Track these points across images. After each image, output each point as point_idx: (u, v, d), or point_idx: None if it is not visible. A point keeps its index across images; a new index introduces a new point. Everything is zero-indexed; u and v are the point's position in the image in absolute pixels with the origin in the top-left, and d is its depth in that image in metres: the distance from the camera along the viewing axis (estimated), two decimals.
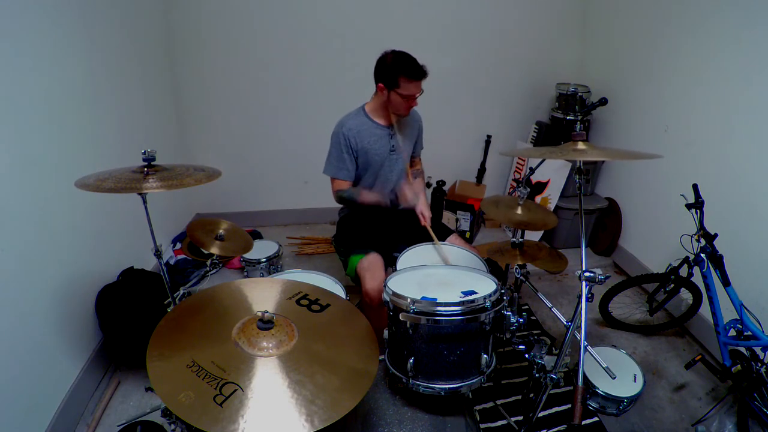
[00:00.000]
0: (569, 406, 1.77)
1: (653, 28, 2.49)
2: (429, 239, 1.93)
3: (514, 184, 3.34)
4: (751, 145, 1.91)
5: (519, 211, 1.80)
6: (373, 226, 2.02)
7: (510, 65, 3.17)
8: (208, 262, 1.77)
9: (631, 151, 1.56)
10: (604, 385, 1.59)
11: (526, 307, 2.45)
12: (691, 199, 1.80)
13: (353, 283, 1.97)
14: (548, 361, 1.39)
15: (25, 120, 1.51)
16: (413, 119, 2.07)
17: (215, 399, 0.90)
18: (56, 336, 1.63)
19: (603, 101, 2.31)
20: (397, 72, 1.76)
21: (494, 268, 2.04)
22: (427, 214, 1.97)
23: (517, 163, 3.39)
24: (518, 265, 1.72)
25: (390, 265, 1.91)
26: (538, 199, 3.06)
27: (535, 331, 2.26)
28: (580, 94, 2.92)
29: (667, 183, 2.38)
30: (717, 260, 1.74)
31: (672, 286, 2.06)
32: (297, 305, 1.25)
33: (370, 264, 1.80)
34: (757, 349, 1.70)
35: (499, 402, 1.78)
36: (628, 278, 2.33)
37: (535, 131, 3.24)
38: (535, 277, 2.74)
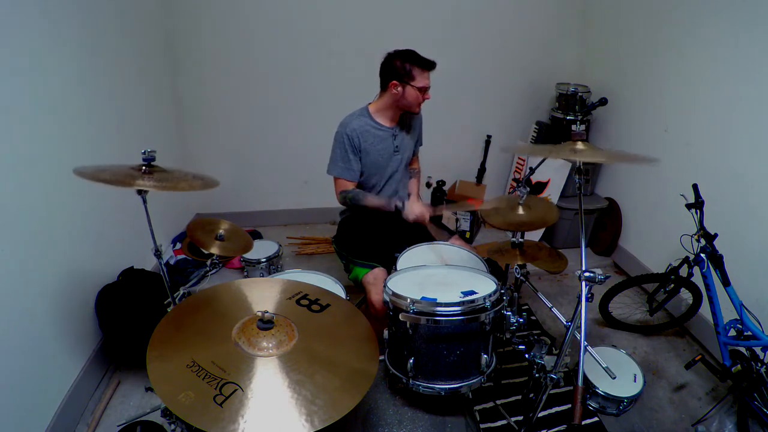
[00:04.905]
0: (569, 406, 1.77)
1: (653, 28, 2.49)
2: (430, 239, 1.93)
3: (514, 184, 3.34)
4: (751, 145, 1.91)
5: (520, 211, 1.79)
6: (375, 231, 2.01)
7: (510, 65, 3.16)
8: (208, 262, 1.77)
9: (628, 154, 1.56)
10: (604, 385, 1.58)
11: (526, 307, 2.45)
12: (691, 199, 1.80)
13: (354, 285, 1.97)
14: (548, 361, 1.40)
15: (25, 120, 1.51)
16: (416, 116, 2.06)
17: (215, 399, 0.90)
18: (56, 336, 1.63)
19: (603, 101, 2.31)
20: (411, 64, 1.80)
21: (494, 268, 2.04)
22: (427, 215, 1.89)
23: (517, 163, 3.39)
24: (518, 265, 1.71)
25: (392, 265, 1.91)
26: None
27: (535, 331, 2.26)
28: (580, 94, 2.92)
29: (667, 183, 2.38)
30: (717, 260, 1.74)
31: (672, 286, 2.06)
32: (297, 305, 1.25)
33: (375, 278, 1.81)
34: (757, 349, 1.70)
35: (499, 402, 1.78)
36: (628, 278, 2.33)
37: (535, 131, 3.24)
38: (535, 277, 2.74)
